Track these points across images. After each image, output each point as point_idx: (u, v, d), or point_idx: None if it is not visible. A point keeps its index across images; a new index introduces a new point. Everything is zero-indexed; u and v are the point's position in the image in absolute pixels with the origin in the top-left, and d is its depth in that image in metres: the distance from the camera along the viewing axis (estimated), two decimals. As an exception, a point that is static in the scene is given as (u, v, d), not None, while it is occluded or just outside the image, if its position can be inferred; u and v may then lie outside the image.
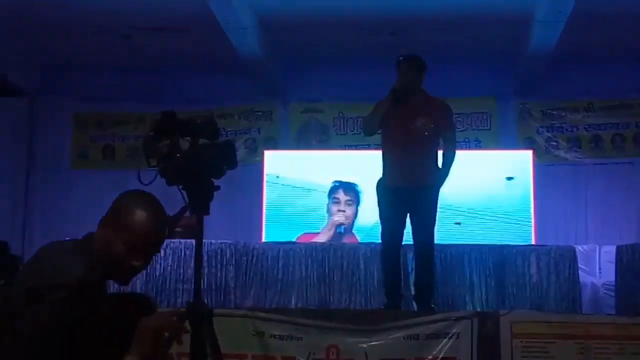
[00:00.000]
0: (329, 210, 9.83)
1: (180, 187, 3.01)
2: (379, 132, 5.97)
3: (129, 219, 2.71)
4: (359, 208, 9.65)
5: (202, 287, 6.77)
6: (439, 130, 5.72)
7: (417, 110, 5.62)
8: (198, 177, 2.98)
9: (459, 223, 9.60)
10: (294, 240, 9.09)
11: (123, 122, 11.02)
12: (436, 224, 5.93)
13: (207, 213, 3.02)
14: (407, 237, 6.10)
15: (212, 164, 3.04)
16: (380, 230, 5.93)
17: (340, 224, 9.62)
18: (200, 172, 3.00)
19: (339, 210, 9.74)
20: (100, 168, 10.84)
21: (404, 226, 5.78)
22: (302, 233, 9.70)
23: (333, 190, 9.82)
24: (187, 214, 3.11)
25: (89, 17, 9.25)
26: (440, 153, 5.85)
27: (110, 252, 2.66)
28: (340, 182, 9.83)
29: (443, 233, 9.03)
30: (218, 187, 3.07)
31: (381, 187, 5.76)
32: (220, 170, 3.10)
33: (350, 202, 9.74)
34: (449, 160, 5.74)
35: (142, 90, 10.79)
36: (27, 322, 2.29)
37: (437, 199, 5.75)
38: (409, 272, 6.57)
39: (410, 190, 5.54)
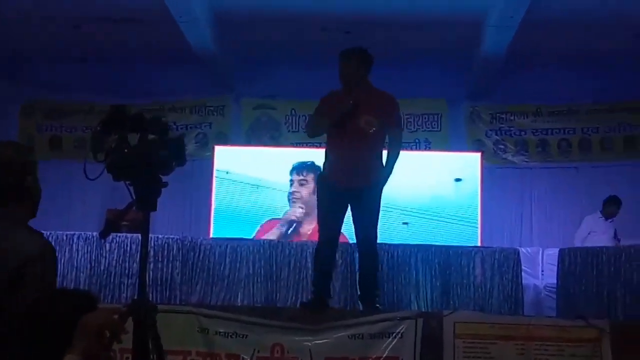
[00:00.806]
0: (289, 196, 9.79)
1: (127, 182, 2.98)
2: None
3: None
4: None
5: (147, 282, 6.72)
6: (385, 126, 5.51)
7: (363, 106, 5.35)
8: (146, 173, 2.96)
9: (406, 223, 9.68)
10: (249, 234, 9.07)
11: (72, 113, 10.87)
12: (379, 223, 5.78)
13: (154, 209, 3.00)
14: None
15: (160, 160, 3.02)
16: (318, 225, 5.79)
17: (292, 221, 9.61)
18: (149, 168, 2.97)
19: (295, 192, 9.68)
20: (46, 159, 10.65)
21: (341, 224, 5.62)
22: (267, 219, 9.70)
23: (289, 173, 9.77)
24: (134, 209, 3.08)
25: (40, 6, 9.09)
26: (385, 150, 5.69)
27: None
28: (297, 163, 9.74)
29: (390, 232, 9.14)
30: (166, 184, 3.05)
31: (322, 183, 5.61)
32: (169, 166, 3.08)
33: (304, 182, 9.66)
34: (393, 158, 5.53)
35: (92, 82, 10.65)
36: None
37: (380, 197, 5.58)
38: (355, 272, 6.59)
39: (353, 189, 5.39)
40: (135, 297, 2.89)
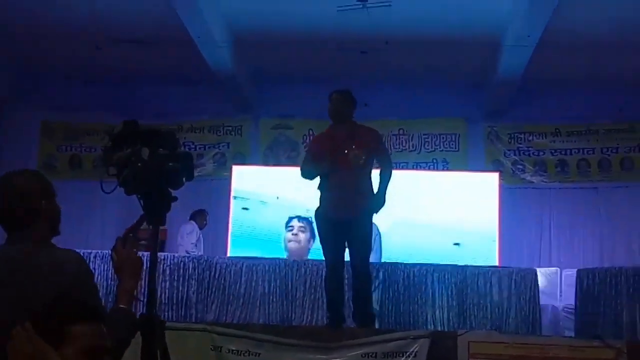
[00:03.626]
0: (284, 241, 9.96)
1: (138, 196, 3.00)
2: None
3: None
4: (314, 240, 9.70)
5: (162, 300, 6.75)
6: (373, 155, 5.92)
7: (349, 142, 5.78)
8: (156, 187, 2.98)
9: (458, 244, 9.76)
10: (266, 254, 9.08)
11: (91, 133, 10.97)
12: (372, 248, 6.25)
13: (163, 224, 3.01)
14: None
15: (171, 174, 3.04)
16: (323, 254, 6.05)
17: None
18: (159, 182, 2.99)
19: (293, 234, 9.84)
20: (66, 178, 10.74)
21: (343, 252, 5.93)
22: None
23: (288, 221, 9.96)
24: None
25: (61, 27, 9.23)
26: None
27: None
28: (295, 215, 9.97)
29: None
30: (175, 199, 3.07)
31: (319, 217, 5.94)
32: (179, 181, 3.10)
33: (304, 229, 9.86)
34: (385, 181, 5.88)
35: (112, 102, 10.75)
36: None
37: (371, 223, 5.98)
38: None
39: (346, 221, 5.72)
40: (144, 312, 2.90)
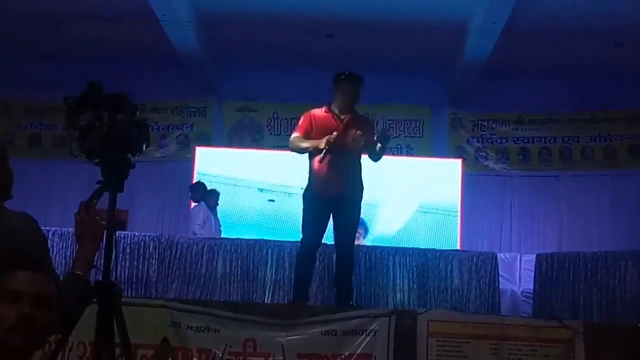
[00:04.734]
0: None
1: (97, 162, 2.96)
2: None
3: None
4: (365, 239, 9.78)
5: (122, 279, 6.66)
6: (367, 146, 5.93)
7: (350, 128, 5.78)
8: (118, 152, 2.94)
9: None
10: (228, 234, 9.02)
11: (51, 111, 10.78)
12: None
13: (122, 190, 2.98)
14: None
15: (132, 140, 3.01)
16: (301, 232, 5.99)
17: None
18: (121, 148, 2.96)
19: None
20: (26, 156, 10.58)
21: (324, 231, 5.94)
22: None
23: None
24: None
25: (19, 2, 9.03)
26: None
27: None
28: None
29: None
30: (134, 165, 3.04)
31: (309, 196, 5.88)
32: (140, 147, 3.07)
33: (361, 234, 9.82)
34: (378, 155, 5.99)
35: (73, 80, 10.46)
36: None
37: (360, 207, 5.97)
38: (331, 273, 6.60)
39: (337, 199, 5.72)
40: (101, 279, 2.87)
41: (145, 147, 3.07)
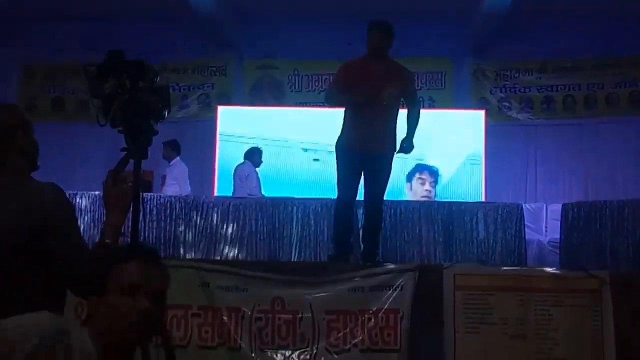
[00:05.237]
0: (410, 192, 9.91)
1: (120, 129, 2.99)
2: None
3: None
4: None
5: (150, 240, 6.73)
6: (403, 97, 5.83)
7: (384, 79, 5.63)
8: (141, 119, 2.96)
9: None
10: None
11: (73, 75, 10.80)
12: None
13: (146, 157, 3.00)
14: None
15: (154, 107, 3.03)
16: (336, 187, 5.96)
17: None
18: (144, 115, 2.98)
19: (426, 190, 9.94)
20: (49, 120, 10.65)
21: (358, 186, 5.87)
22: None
23: (416, 170, 9.97)
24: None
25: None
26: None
27: None
28: (424, 164, 9.98)
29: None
30: (157, 132, 3.06)
31: (341, 148, 5.81)
32: (162, 114, 3.08)
33: (434, 184, 10.03)
34: (415, 124, 5.82)
35: (93, 42, 10.55)
36: None
37: (391, 164, 5.86)
38: (358, 228, 6.62)
39: (370, 156, 5.65)
40: (129, 243, 2.91)
41: (168, 113, 3.08)
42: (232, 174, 9.21)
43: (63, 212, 2.59)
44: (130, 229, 2.92)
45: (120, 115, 2.90)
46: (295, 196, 7.98)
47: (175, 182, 8.89)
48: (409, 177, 9.98)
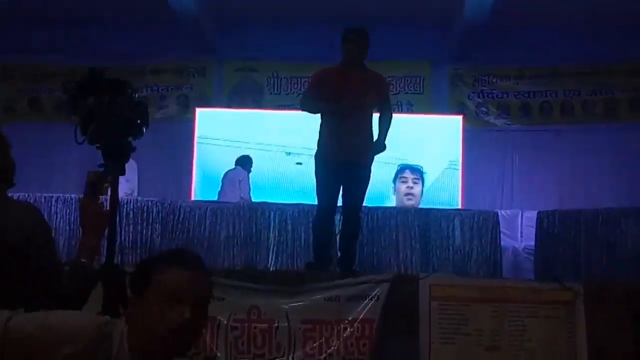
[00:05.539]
0: (395, 193, 9.91)
1: (98, 146, 2.99)
2: None
3: None
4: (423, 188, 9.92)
5: (126, 244, 6.70)
6: (377, 105, 5.87)
7: (360, 87, 5.68)
8: (119, 137, 2.97)
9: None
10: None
11: (51, 76, 10.73)
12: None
13: (123, 173, 3.01)
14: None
15: (133, 124, 3.04)
16: (316, 197, 5.98)
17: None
18: (122, 132, 2.98)
19: (408, 187, 9.88)
20: (27, 120, 10.58)
21: (338, 195, 5.91)
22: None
23: (400, 171, 9.94)
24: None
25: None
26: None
27: None
28: (405, 164, 9.97)
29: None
30: (134, 148, 3.06)
31: (320, 159, 5.85)
32: (141, 130, 3.09)
33: (417, 181, 9.96)
34: (386, 128, 5.86)
35: (72, 44, 10.52)
36: None
37: (370, 171, 5.92)
38: (336, 234, 6.63)
39: (349, 163, 5.68)
40: (104, 262, 2.91)
41: (146, 130, 3.09)
42: (222, 178, 9.26)
43: (42, 233, 2.59)
44: (106, 248, 2.92)
45: (98, 133, 2.90)
46: (273, 201, 7.98)
47: (124, 180, 8.83)
48: (394, 180, 10.02)
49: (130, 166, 9.42)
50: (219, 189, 9.16)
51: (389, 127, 5.87)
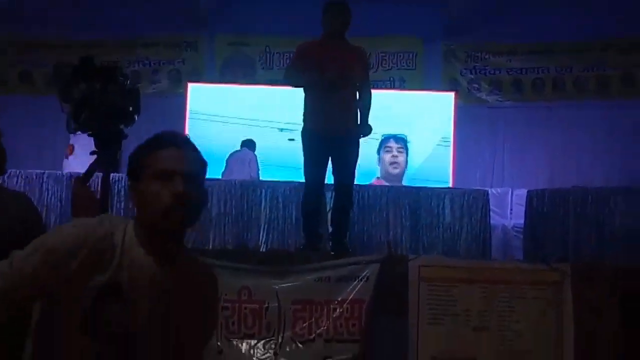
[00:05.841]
0: (379, 163, 9.93)
1: (90, 133, 3.00)
2: None
3: None
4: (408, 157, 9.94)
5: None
6: (360, 79, 5.81)
7: (343, 59, 5.63)
8: (111, 124, 2.98)
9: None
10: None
11: (44, 48, 10.66)
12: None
13: (114, 168, 3.03)
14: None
15: (124, 111, 3.05)
16: (304, 175, 5.95)
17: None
18: (114, 120, 3.00)
19: (392, 157, 9.91)
20: (18, 93, 10.52)
21: (326, 170, 5.86)
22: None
23: (384, 141, 9.94)
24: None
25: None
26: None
27: None
28: (389, 134, 9.95)
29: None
30: (126, 136, 3.07)
31: (308, 133, 5.78)
32: (132, 118, 3.10)
33: (402, 150, 9.99)
34: (368, 106, 5.81)
35: (64, 16, 10.42)
36: None
37: (358, 144, 5.85)
38: (327, 212, 6.65)
39: (336, 137, 5.61)
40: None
41: (137, 117, 3.10)
42: (227, 158, 9.25)
43: (33, 221, 2.61)
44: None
45: (90, 120, 2.91)
46: (265, 179, 7.99)
47: (84, 153, 8.78)
48: (378, 151, 10.02)
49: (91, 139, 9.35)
50: (224, 169, 9.14)
51: (369, 107, 5.82)
